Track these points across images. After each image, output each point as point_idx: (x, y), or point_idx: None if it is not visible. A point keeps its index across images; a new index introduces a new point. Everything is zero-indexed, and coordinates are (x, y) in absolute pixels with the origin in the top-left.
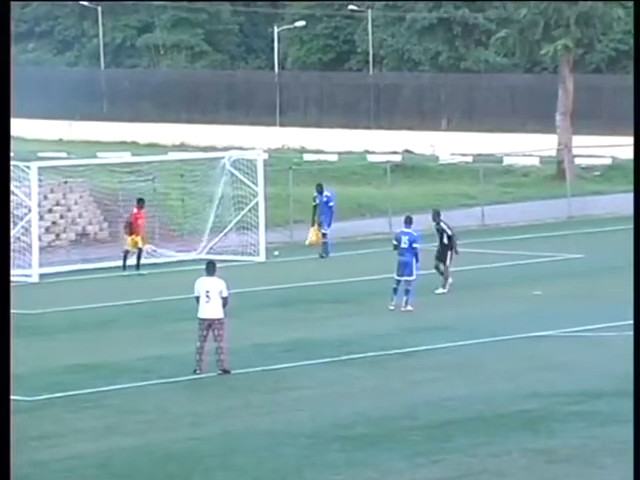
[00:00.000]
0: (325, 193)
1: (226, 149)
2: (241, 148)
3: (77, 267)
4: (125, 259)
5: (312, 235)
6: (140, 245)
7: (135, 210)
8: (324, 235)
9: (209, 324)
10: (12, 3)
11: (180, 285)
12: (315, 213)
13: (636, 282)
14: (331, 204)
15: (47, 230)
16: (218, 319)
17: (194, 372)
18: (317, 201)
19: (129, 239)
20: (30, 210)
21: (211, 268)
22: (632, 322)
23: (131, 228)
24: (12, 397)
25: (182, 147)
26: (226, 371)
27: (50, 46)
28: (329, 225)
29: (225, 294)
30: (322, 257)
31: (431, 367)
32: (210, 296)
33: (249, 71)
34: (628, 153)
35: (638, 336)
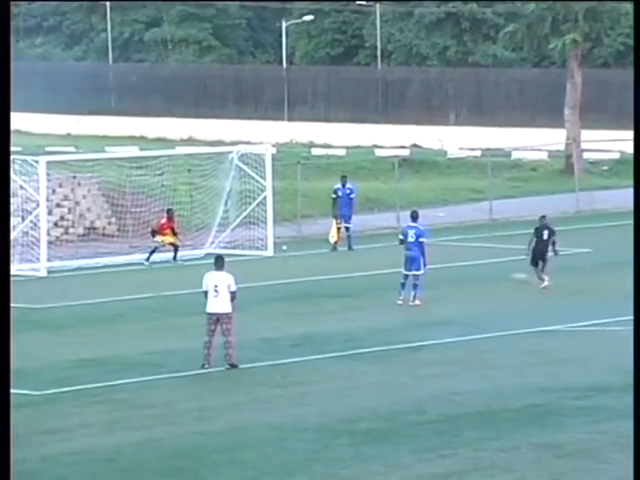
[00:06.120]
0: (347, 185)
1: (234, 143)
2: (249, 142)
3: (85, 262)
4: (152, 252)
5: (335, 231)
6: (172, 241)
7: (164, 220)
8: (347, 229)
9: (217, 318)
10: None
11: (188, 279)
12: (335, 206)
13: (636, 278)
14: (353, 196)
15: (55, 224)
16: (226, 313)
17: (202, 366)
18: (339, 193)
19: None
20: (38, 204)
21: (220, 262)
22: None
23: (156, 232)
24: (20, 391)
25: (190, 141)
26: (234, 365)
27: (58, 41)
28: (351, 218)
29: (233, 288)
30: (350, 250)
31: (439, 362)
32: (218, 290)
33: (257, 66)
34: None
35: (638, 331)
